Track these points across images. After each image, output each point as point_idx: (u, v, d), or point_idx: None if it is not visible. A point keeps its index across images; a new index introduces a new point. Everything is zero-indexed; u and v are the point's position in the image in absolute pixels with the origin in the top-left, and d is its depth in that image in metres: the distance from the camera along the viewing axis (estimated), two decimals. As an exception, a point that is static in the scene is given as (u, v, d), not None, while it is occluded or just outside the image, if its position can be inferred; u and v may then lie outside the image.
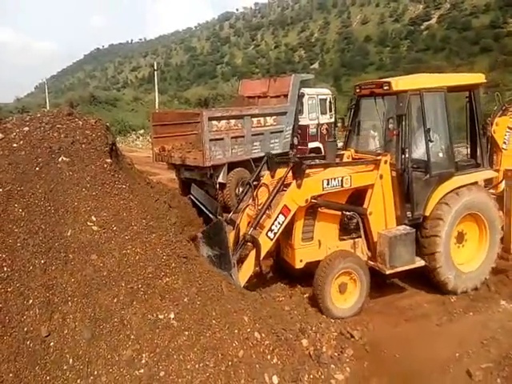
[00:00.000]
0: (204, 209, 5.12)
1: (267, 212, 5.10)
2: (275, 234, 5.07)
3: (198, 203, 5.03)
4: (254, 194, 5.59)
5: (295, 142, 11.85)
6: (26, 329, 3.13)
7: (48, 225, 3.71)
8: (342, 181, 5.36)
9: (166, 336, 3.51)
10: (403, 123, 5.43)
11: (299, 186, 5.11)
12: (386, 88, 5.66)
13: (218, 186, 9.70)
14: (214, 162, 9.43)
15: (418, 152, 5.73)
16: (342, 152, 6.55)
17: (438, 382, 4.04)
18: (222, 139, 9.58)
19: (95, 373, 3.12)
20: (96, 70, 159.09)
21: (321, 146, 12.58)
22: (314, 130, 12.48)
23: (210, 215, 5.15)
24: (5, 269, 3.33)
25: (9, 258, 3.39)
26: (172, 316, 3.64)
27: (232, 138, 9.83)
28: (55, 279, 3.42)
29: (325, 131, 12.78)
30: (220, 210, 5.56)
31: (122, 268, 3.73)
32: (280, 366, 3.86)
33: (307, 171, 5.21)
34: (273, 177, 5.78)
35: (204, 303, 3.91)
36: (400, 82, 5.64)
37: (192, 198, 5.46)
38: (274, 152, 11.00)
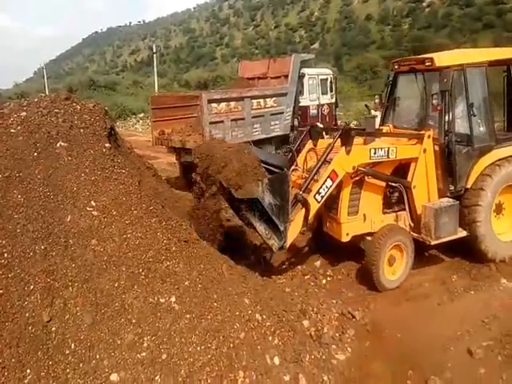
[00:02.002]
0: (268, 165, 5.21)
1: (315, 177, 5.22)
2: (322, 197, 5.21)
3: (263, 161, 5.06)
4: (298, 160, 5.80)
5: (296, 123, 11.72)
6: (27, 314, 3.14)
7: (47, 210, 3.70)
8: (388, 151, 5.49)
9: (168, 319, 3.53)
10: (446, 98, 5.57)
11: (348, 153, 5.23)
12: (428, 64, 5.81)
13: (218, 169, 9.65)
14: (215, 145, 9.36)
15: (461, 126, 5.87)
16: (381, 127, 6.68)
17: (440, 361, 4.07)
18: (221, 122, 9.50)
19: (97, 357, 3.15)
20: (95, 53, 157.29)
21: (322, 126, 12.47)
22: (315, 110, 12.35)
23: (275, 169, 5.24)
24: (5, 255, 3.33)
25: (9, 244, 3.39)
26: (173, 299, 3.65)
27: (232, 120, 9.74)
28: (56, 265, 3.42)
29: (326, 112, 12.65)
30: (292, 163, 5.67)
31: (122, 252, 3.73)
32: (281, 346, 3.89)
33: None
34: (315, 146, 5.94)
35: (205, 286, 3.92)
36: (443, 58, 5.81)
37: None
38: (274, 134, 11.00)
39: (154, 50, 39.83)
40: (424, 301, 5.15)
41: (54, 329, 3.17)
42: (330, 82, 12.75)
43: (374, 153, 5.41)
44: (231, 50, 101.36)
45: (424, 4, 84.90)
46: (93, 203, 3.88)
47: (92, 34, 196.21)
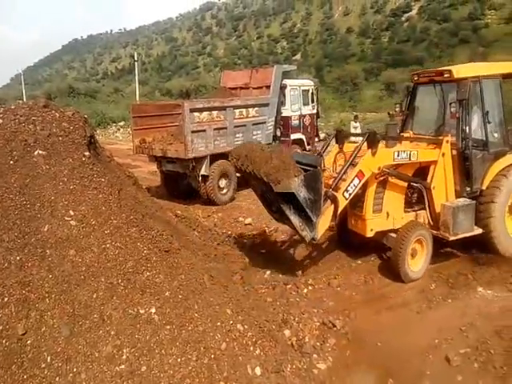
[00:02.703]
0: (303, 164, 5.67)
1: (343, 177, 5.67)
2: (350, 194, 5.65)
3: (297, 161, 5.60)
4: (327, 162, 6.26)
5: (278, 133, 11.80)
6: (1, 327, 3.05)
7: (24, 220, 3.62)
8: (410, 154, 5.98)
9: (147, 331, 3.48)
10: (464, 107, 6.10)
11: (374, 154, 5.70)
12: (446, 76, 6.36)
13: (200, 178, 9.62)
14: (196, 154, 9.34)
15: (477, 132, 6.38)
16: (402, 134, 7.05)
17: (419, 369, 4.11)
18: (204, 131, 9.48)
19: (74, 370, 3.07)
20: (74, 61, 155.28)
21: (303, 137, 12.59)
22: (297, 121, 12.47)
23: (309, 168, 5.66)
24: (-22, 266, 3.23)
25: (-18, 255, 3.29)
26: (153, 310, 3.61)
27: (214, 129, 9.73)
28: (31, 276, 3.34)
29: (307, 122, 12.78)
30: (323, 163, 6.05)
31: (101, 263, 3.67)
32: (263, 357, 3.87)
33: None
34: (341, 149, 6.37)
35: (186, 297, 3.89)
36: (460, 70, 6.33)
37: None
38: (256, 144, 11.06)
39: (136, 58, 39.58)
40: (403, 309, 5.21)
41: (29, 342, 3.08)
42: (312, 93, 12.91)
43: (398, 155, 5.89)
44: (214, 60, 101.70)
45: (403, 18, 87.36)
46: (71, 212, 3.81)
47: (72, 40, 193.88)
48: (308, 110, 12.77)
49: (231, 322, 3.96)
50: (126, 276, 3.70)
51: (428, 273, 6.05)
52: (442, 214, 6.10)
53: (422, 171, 6.23)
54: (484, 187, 6.32)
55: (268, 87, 11.44)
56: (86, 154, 4.32)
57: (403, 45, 72.97)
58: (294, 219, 5.45)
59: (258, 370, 3.73)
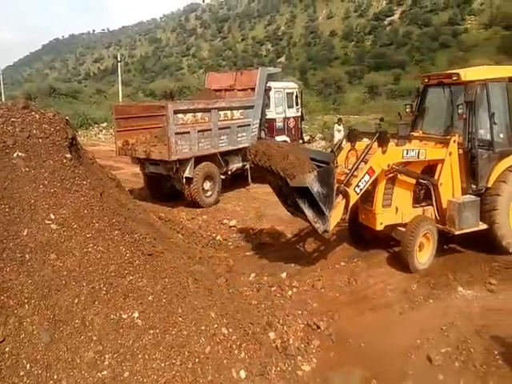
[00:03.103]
0: (317, 161, 5.94)
1: (354, 173, 5.97)
2: (361, 189, 5.99)
3: (312, 158, 5.93)
4: (339, 159, 6.54)
5: (262, 135, 11.81)
6: (-22, 334, 2.97)
7: (2, 224, 3.53)
8: (418, 153, 6.32)
9: (130, 335, 3.43)
10: (470, 109, 6.40)
11: (384, 152, 6.03)
12: (454, 78, 6.67)
13: (184, 180, 9.55)
14: (180, 156, 9.27)
15: (483, 133, 6.69)
16: (412, 133, 7.25)
17: (401, 369, 4.17)
18: (188, 133, 9.41)
19: (55, 377, 3.01)
20: (56, 60, 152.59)
21: (288, 139, 12.62)
22: (281, 123, 12.51)
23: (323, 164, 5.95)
24: (-46, 272, 3.14)
25: (-41, 260, 3.20)
26: (136, 315, 3.56)
27: (199, 131, 9.68)
28: (10, 281, 3.26)
29: (292, 125, 12.84)
30: (335, 160, 6.31)
31: (82, 267, 3.61)
32: (247, 360, 3.87)
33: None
34: (353, 147, 6.59)
35: (170, 300, 3.85)
36: (468, 73, 6.65)
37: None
38: (241, 146, 11.05)
39: (119, 59, 39.21)
40: (386, 310, 5.27)
41: (7, 349, 3.00)
42: (296, 96, 12.97)
43: (407, 153, 6.23)
44: (198, 61, 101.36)
45: (385, 22, 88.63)
46: (52, 216, 3.74)
47: (53, 40, 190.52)
48: (292, 112, 12.83)
49: (216, 325, 3.94)
50: (108, 280, 3.64)
51: (410, 274, 6.14)
52: (448, 209, 6.43)
53: (430, 169, 6.56)
54: (489, 185, 6.60)
55: (253, 89, 11.45)
56: (68, 156, 4.24)
57: (386, 48, 74.06)
58: (308, 212, 5.79)
59: (242, 374, 3.72)
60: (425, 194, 6.66)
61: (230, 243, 7.53)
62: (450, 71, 7.05)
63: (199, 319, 3.89)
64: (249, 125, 11.14)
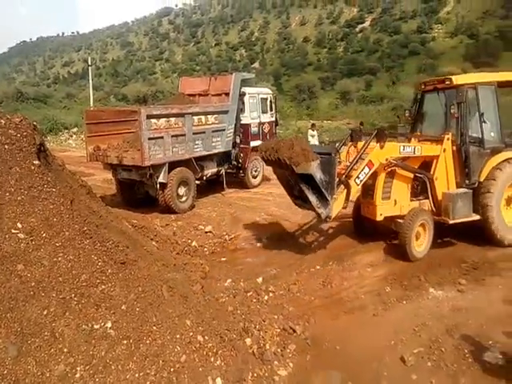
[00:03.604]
0: (320, 154, 6.45)
1: (354, 166, 6.55)
2: (361, 181, 6.60)
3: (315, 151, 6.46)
4: (342, 155, 7.02)
5: (237, 140, 11.82)
6: None
7: (-35, 234, 3.38)
8: (414, 149, 6.98)
9: (103, 346, 3.34)
10: (462, 109, 7.07)
11: (382, 148, 6.67)
12: (447, 83, 7.34)
13: (158, 186, 9.42)
14: (154, 162, 9.14)
15: (474, 131, 7.30)
16: (413, 134, 7.86)
17: (376, 370, 4.22)
18: (161, 138, 9.29)
19: (23, 392, 2.89)
20: (23, 64, 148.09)
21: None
22: (256, 128, 12.54)
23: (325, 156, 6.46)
24: None
25: None
26: (109, 325, 3.47)
27: (172, 136, 9.58)
28: (-26, 294, 3.12)
29: (267, 130, 12.90)
30: (337, 151, 6.76)
31: (52, 277, 3.49)
32: (224, 367, 3.83)
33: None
34: (355, 147, 7.06)
35: (144, 309, 3.77)
36: (459, 78, 7.36)
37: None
38: (216, 151, 11.02)
39: (90, 63, 38.37)
40: (360, 312, 5.35)
41: (-29, 365, 2.86)
42: (270, 102, 13.04)
43: (403, 149, 6.88)
44: (171, 66, 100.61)
45: (357, 29, 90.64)
46: (19, 225, 3.61)
47: (20, 43, 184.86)
48: (267, 117, 12.89)
49: (191, 333, 3.89)
50: (79, 290, 3.54)
51: (383, 276, 6.26)
52: (443, 200, 7.08)
53: (427, 165, 7.19)
54: (481, 179, 7.19)
55: (227, 94, 11.44)
56: (36, 162, 4.11)
57: (357, 55, 75.77)
58: (312, 198, 6.38)
59: (218, 381, 3.68)
60: (422, 187, 7.28)
61: (206, 249, 7.47)
62: (443, 77, 7.85)
63: (174, 327, 3.83)
64: (223, 130, 11.11)
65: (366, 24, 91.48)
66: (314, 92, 47.47)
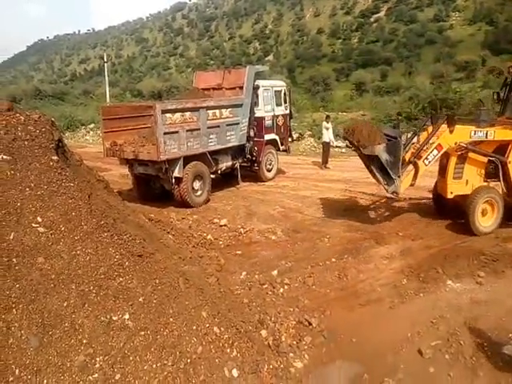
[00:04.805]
0: (388, 136, 7.31)
1: (424, 148, 7.24)
2: (429, 162, 7.23)
3: (385, 134, 7.37)
4: (418, 139, 7.69)
5: (252, 134, 11.81)
6: (-35, 341, 2.92)
7: (-13, 228, 3.47)
8: (486, 133, 7.32)
9: (121, 337, 3.41)
10: None
11: (451, 132, 7.17)
12: None
13: (173, 180, 9.50)
14: (169, 156, 9.22)
15: None
16: (498, 118, 8.09)
17: (393, 363, 4.21)
18: (176, 132, 9.36)
19: (44, 382, 2.97)
20: (41, 62, 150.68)
21: (277, 137, 12.65)
22: (270, 121, 12.49)
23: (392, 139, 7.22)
24: None
25: None
26: (127, 317, 3.54)
27: (187, 130, 9.63)
28: (-3, 286, 3.21)
29: (281, 123, 12.85)
30: (401, 134, 7.49)
31: (71, 270, 3.57)
32: (240, 358, 3.87)
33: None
34: (426, 130, 7.66)
35: (160, 301, 3.83)
36: None
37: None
38: (230, 144, 11.04)
39: (105, 59, 38.84)
40: (376, 305, 5.32)
41: (-5, 355, 2.96)
42: (284, 94, 12.96)
43: (474, 133, 7.26)
44: (186, 60, 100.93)
45: (372, 19, 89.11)
46: (39, 219, 3.69)
47: (37, 41, 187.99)
48: (281, 110, 12.82)
49: (207, 324, 3.94)
50: (97, 282, 3.61)
51: (400, 269, 6.21)
52: None
53: (503, 148, 7.45)
54: None
55: (241, 88, 11.42)
56: (54, 158, 4.19)
57: (373, 45, 74.57)
58: (379, 176, 7.24)
59: (234, 372, 3.72)
60: (496, 170, 7.55)
61: (221, 242, 7.52)
62: None
63: (190, 319, 3.88)
64: (238, 123, 11.12)
65: (381, 14, 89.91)
66: (329, 84, 47.01)
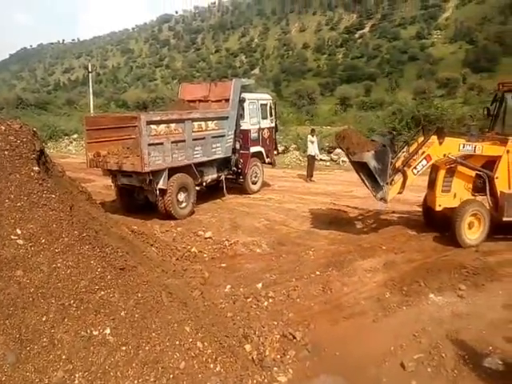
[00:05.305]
0: (375, 141, 7.61)
1: (413, 157, 7.40)
2: (418, 171, 7.42)
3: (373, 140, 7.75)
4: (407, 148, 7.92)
5: (237, 146, 11.84)
6: None
7: (-36, 240, 3.39)
8: (475, 148, 7.48)
9: (102, 353, 3.33)
10: None
11: (440, 144, 7.36)
12: None
13: (158, 192, 9.43)
14: (154, 168, 9.16)
15: None
16: (487, 133, 8.34)
17: (376, 376, 4.21)
18: (161, 144, 9.32)
19: (21, 399, 2.89)
20: (23, 70, 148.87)
21: (262, 150, 12.71)
22: (256, 134, 12.55)
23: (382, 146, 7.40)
24: None
25: None
26: (108, 331, 3.47)
27: (172, 142, 9.60)
28: (-27, 300, 3.12)
29: (266, 136, 12.93)
30: (390, 142, 7.76)
31: (51, 283, 3.50)
32: (223, 373, 3.81)
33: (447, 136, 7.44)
34: (416, 140, 7.83)
35: (143, 316, 3.77)
36: None
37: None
38: (216, 157, 11.04)
39: (90, 69, 38.54)
40: (360, 318, 5.33)
41: (-31, 372, 2.86)
42: (270, 107, 13.06)
43: (463, 147, 7.44)
44: (171, 72, 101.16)
45: (356, 35, 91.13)
46: (18, 231, 3.62)
47: (21, 49, 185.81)
48: (266, 123, 12.91)
49: (190, 339, 3.88)
50: (78, 296, 3.54)
51: (383, 282, 6.25)
52: (499, 199, 7.53)
53: (491, 163, 7.61)
54: None
55: (227, 100, 11.48)
56: (35, 168, 4.13)
57: (357, 61, 76.10)
58: (367, 182, 7.39)
59: (218, 388, 3.67)
60: (483, 184, 7.69)
61: (206, 255, 7.46)
62: None
63: (173, 334, 3.82)
64: (223, 135, 11.14)
65: (366, 30, 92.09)
66: (314, 98, 47.63)
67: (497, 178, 7.57)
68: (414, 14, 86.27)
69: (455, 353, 4.47)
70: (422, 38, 78.45)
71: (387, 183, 7.24)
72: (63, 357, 3.19)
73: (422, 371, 4.24)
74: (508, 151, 7.49)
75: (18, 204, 3.77)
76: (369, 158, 7.09)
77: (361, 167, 7.43)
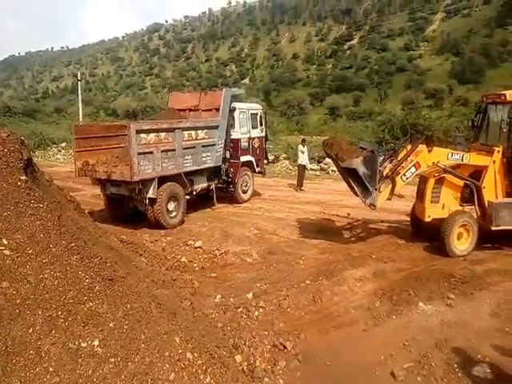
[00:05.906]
0: (364, 149, 7.60)
1: (402, 165, 7.48)
2: (407, 178, 7.54)
3: (361, 147, 7.84)
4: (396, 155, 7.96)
5: (227, 155, 11.86)
6: None
7: (-51, 251, 3.32)
8: (462, 156, 7.65)
9: (90, 365, 3.27)
10: (511, 124, 7.61)
11: (430, 152, 7.51)
12: (502, 98, 7.84)
13: (147, 201, 9.37)
14: (143, 177, 9.11)
15: None
16: (472, 144, 8.55)
17: (366, 386, 4.21)
18: (151, 153, 9.29)
19: (6, 414, 2.81)
20: (11, 78, 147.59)
21: (253, 159, 12.74)
22: (246, 143, 12.59)
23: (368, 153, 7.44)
24: None
25: None
26: (96, 343, 3.41)
27: (162, 151, 9.58)
28: (-43, 312, 3.05)
29: (256, 145, 12.97)
30: (377, 148, 8.23)
31: (38, 295, 3.43)
32: (213, 385, 3.77)
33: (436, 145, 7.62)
34: (405, 148, 7.89)
35: (132, 327, 3.71)
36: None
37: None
38: (206, 166, 11.03)
39: (79, 77, 38.36)
40: (350, 327, 5.33)
41: (-48, 387, 2.78)
42: (260, 117, 13.12)
43: (451, 155, 7.59)
44: (161, 81, 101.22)
45: (345, 46, 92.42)
46: (4, 241, 3.55)
47: (8, 57, 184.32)
48: (257, 132, 12.96)
49: (180, 350, 3.83)
50: (66, 307, 3.48)
51: (373, 291, 6.27)
52: (487, 208, 7.64)
53: (478, 173, 7.75)
54: None
55: (217, 110, 11.51)
56: (22, 178, 4.07)
57: (346, 71, 77.05)
58: (357, 188, 7.44)
59: (208, 400, 3.62)
60: (469, 194, 7.80)
61: (196, 265, 7.41)
62: (499, 92, 8.27)
63: (163, 345, 3.77)
64: (214, 145, 11.15)
65: (355, 41, 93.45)
66: (304, 108, 48.11)
67: (484, 187, 7.68)
68: (401, 26, 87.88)
69: (444, 362, 4.50)
70: (409, 50, 79.90)
71: (376, 189, 7.32)
72: (50, 369, 3.12)
73: (412, 380, 4.25)
74: (494, 161, 7.65)
75: (5, 214, 3.71)
76: (358, 163, 7.16)
77: (350, 173, 7.49)
